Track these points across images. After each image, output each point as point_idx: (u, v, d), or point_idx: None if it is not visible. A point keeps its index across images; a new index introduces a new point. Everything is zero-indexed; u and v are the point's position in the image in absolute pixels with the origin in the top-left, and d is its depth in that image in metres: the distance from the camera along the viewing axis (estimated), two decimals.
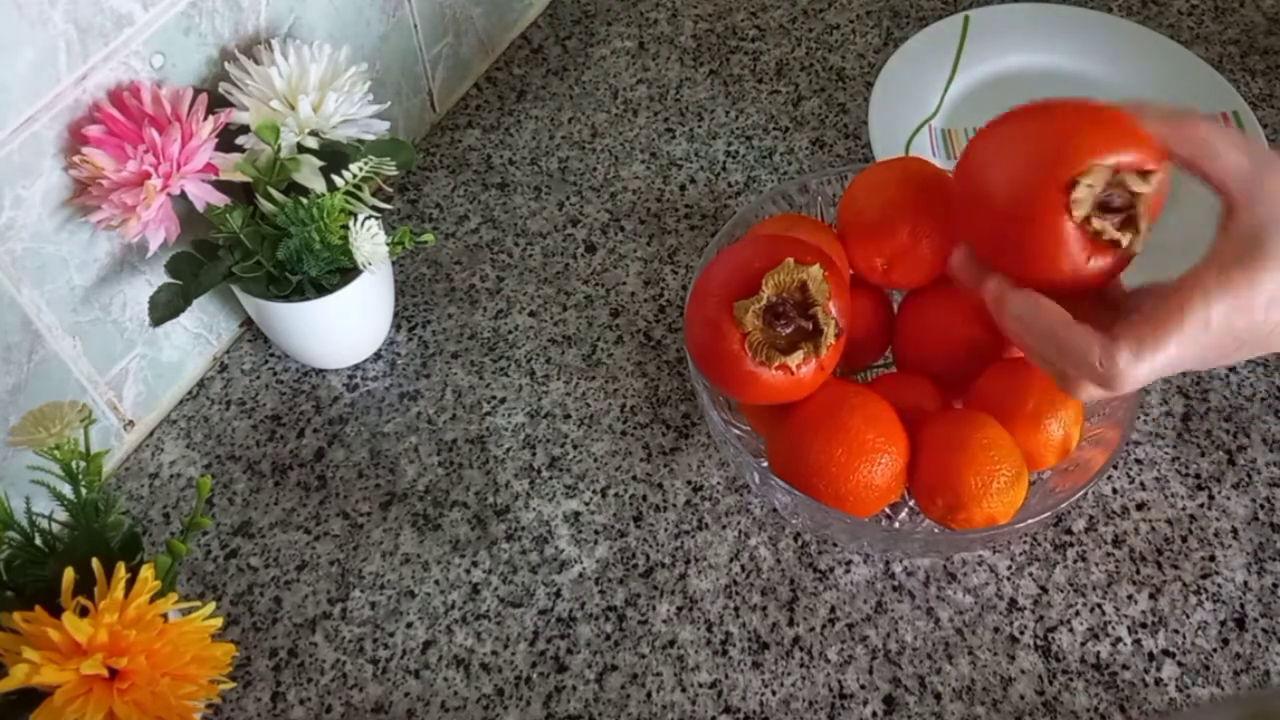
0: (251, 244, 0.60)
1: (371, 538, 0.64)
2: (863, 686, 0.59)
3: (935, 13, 0.91)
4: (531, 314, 0.74)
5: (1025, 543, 0.63)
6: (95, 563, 0.45)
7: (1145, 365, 0.45)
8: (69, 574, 0.45)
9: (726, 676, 0.59)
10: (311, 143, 0.61)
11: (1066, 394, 0.49)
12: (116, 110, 0.55)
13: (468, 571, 0.63)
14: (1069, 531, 0.64)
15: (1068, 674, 0.59)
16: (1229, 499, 0.65)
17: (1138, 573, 0.62)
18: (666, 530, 0.64)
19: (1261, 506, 0.64)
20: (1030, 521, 0.55)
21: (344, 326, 0.68)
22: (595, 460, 0.67)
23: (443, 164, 0.82)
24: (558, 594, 0.62)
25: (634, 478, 0.66)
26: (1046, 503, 0.57)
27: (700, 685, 0.59)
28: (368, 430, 0.68)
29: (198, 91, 0.58)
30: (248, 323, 0.73)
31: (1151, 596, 0.61)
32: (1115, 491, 0.65)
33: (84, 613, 0.43)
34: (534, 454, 0.67)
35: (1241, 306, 0.44)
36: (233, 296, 0.69)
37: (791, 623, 0.61)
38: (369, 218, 0.61)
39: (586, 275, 0.76)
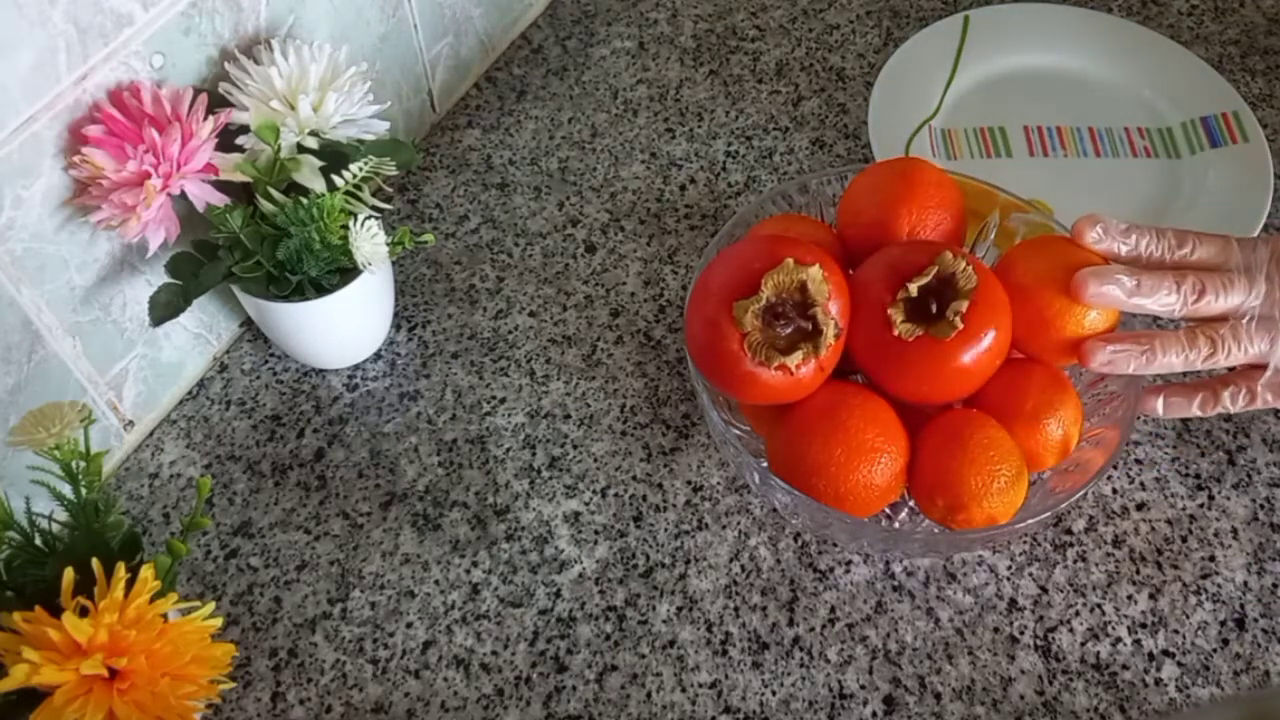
0: (251, 244, 0.60)
1: (371, 538, 0.64)
2: (863, 686, 0.59)
3: (935, 13, 0.91)
4: (531, 314, 0.74)
5: (1025, 543, 0.63)
6: (95, 563, 0.45)
7: None
8: (69, 574, 0.45)
9: (726, 676, 0.59)
10: (311, 143, 0.61)
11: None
12: (116, 110, 0.55)
13: (468, 571, 0.63)
14: (1069, 531, 0.64)
15: (1068, 674, 0.59)
16: (1229, 499, 0.65)
17: (1138, 573, 0.62)
18: (666, 530, 0.64)
19: (1261, 506, 0.64)
20: (1030, 521, 0.55)
21: (344, 326, 0.68)
22: (595, 460, 0.67)
23: (443, 164, 0.82)
24: (558, 594, 0.62)
25: (634, 478, 0.66)
26: (1046, 503, 0.57)
27: (700, 685, 0.59)
28: (368, 430, 0.68)
29: (198, 91, 0.58)
30: (248, 323, 0.73)
31: (1151, 597, 0.61)
32: (1115, 491, 0.65)
33: (84, 613, 0.43)
34: (534, 454, 0.67)
35: None
36: (233, 296, 0.69)
37: (791, 623, 0.61)
38: (369, 218, 0.61)
39: (586, 275, 0.76)
